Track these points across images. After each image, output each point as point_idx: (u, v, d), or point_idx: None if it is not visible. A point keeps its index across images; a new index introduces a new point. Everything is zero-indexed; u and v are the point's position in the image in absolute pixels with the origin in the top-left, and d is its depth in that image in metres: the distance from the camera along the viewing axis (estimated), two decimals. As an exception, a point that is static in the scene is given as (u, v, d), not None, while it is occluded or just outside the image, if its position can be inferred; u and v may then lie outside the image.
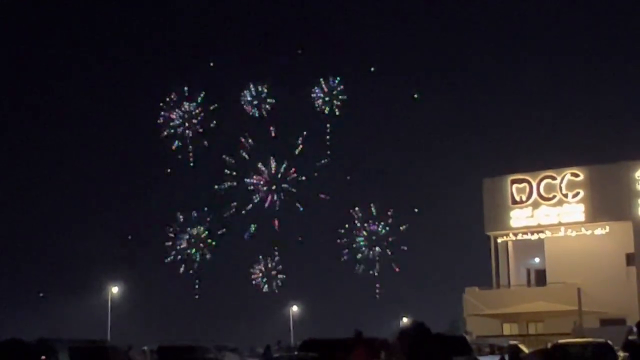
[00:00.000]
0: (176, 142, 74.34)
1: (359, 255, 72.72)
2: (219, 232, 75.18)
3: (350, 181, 76.61)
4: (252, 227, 74.26)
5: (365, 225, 72.73)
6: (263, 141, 74.13)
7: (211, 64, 77.54)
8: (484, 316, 53.16)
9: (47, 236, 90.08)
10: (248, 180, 73.79)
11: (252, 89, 74.04)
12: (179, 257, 74.52)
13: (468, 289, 57.84)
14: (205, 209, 75.17)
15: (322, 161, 73.64)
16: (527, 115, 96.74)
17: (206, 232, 74.96)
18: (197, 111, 74.53)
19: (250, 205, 73.82)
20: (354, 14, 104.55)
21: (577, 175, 55.86)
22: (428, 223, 78.42)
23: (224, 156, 74.22)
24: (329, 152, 74.18)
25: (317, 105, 73.86)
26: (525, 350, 34.72)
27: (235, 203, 74.30)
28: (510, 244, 58.92)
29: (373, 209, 72.64)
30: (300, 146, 73.43)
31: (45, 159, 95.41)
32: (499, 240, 58.72)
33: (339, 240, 72.71)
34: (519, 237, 57.76)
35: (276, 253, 75.05)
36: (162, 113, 74.05)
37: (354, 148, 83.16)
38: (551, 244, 56.80)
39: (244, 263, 75.80)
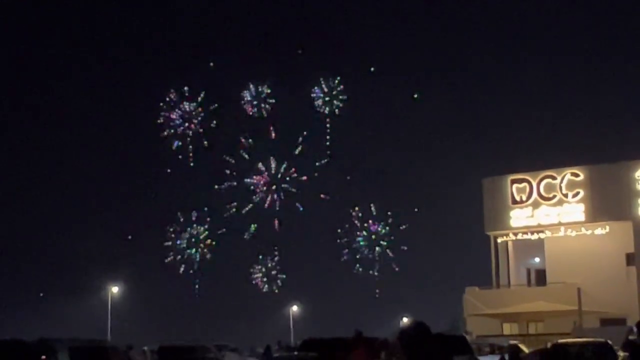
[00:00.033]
0: (176, 142, 74.45)
1: (359, 255, 72.88)
2: (219, 232, 75.30)
3: (350, 181, 76.74)
4: (252, 227, 74.37)
5: (365, 225, 72.82)
6: (263, 141, 74.24)
7: (211, 64, 77.59)
8: (484, 316, 53.18)
9: (47, 236, 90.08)
10: (248, 180, 73.88)
11: (252, 89, 74.12)
12: (179, 257, 74.62)
13: (468, 288, 57.86)
14: (205, 209, 75.29)
15: (322, 161, 73.78)
16: (527, 115, 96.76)
17: (206, 232, 75.04)
18: (197, 111, 74.60)
19: (250, 205, 73.95)
20: (354, 14, 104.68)
21: (577, 175, 55.87)
22: (428, 223, 78.50)
23: (224, 156, 74.34)
24: (329, 152, 74.32)
25: (317, 105, 73.97)
26: (525, 350, 34.73)
27: (235, 203, 74.43)
28: (510, 243, 58.93)
29: (373, 209, 72.77)
30: (300, 146, 73.55)
31: (45, 159, 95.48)
32: (499, 240, 58.73)
33: (339, 240, 72.85)
34: (519, 237, 57.77)
35: (276, 253, 75.19)
36: (162, 113, 74.19)
37: (354, 148, 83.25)
38: (551, 243, 56.81)
39: (244, 263, 75.92)
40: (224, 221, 74.89)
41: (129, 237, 79.29)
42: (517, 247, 59.22)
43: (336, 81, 73.74)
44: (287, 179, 73.46)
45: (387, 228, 72.38)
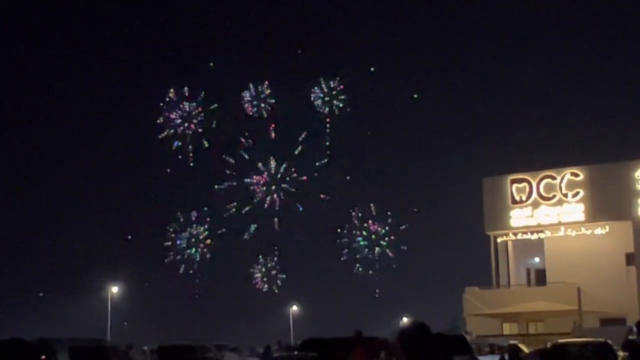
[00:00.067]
0: (176, 142, 74.49)
1: (359, 255, 72.91)
2: (219, 232, 75.33)
3: (350, 181, 76.74)
4: (252, 227, 74.40)
5: (365, 225, 72.85)
6: (263, 141, 74.30)
7: (211, 64, 77.66)
8: (484, 316, 53.18)
9: (47, 236, 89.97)
10: (248, 180, 73.91)
11: (252, 89, 74.16)
12: (179, 257, 74.67)
13: (468, 288, 57.86)
14: (205, 209, 75.33)
15: (322, 161, 73.80)
16: (527, 115, 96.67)
17: (206, 232, 75.07)
18: (197, 111, 74.64)
19: (250, 205, 73.98)
20: (354, 14, 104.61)
21: (577, 175, 55.88)
22: (428, 223, 78.50)
23: (224, 156, 74.35)
24: (329, 152, 74.36)
25: (317, 105, 74.00)
26: (525, 350, 34.72)
27: (235, 203, 74.46)
28: (510, 243, 58.93)
29: (373, 209, 72.80)
30: (300, 146, 73.59)
31: (45, 159, 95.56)
32: (499, 240, 58.73)
33: (339, 240, 72.88)
34: (519, 236, 57.77)
35: (276, 253, 75.22)
36: (162, 113, 74.22)
37: (354, 148, 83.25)
38: (551, 243, 56.82)
39: (244, 263, 75.95)
40: (223, 221, 75.01)
41: (129, 237, 79.39)
42: (517, 247, 59.22)
43: (336, 81, 73.84)
44: (287, 179, 73.55)
45: (387, 228, 72.45)
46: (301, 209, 73.52)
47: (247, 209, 74.06)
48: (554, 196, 56.17)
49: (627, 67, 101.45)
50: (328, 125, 74.14)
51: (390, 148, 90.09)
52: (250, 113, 73.98)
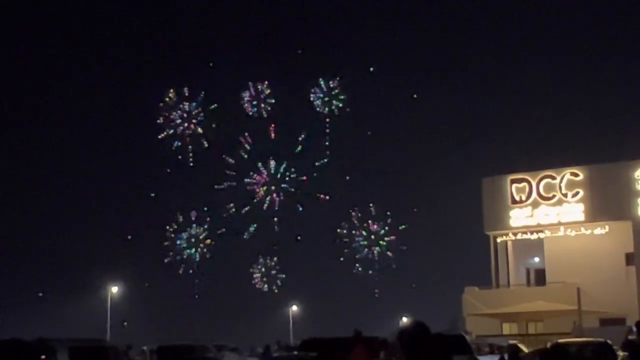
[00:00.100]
0: (176, 142, 74.48)
1: (359, 255, 72.91)
2: (219, 232, 75.34)
3: (350, 181, 76.74)
4: (252, 227, 74.41)
5: (365, 225, 72.86)
6: (263, 141, 74.27)
7: (211, 64, 77.73)
8: (483, 316, 53.17)
9: (47, 236, 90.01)
10: (248, 180, 73.92)
11: (252, 89, 74.15)
12: (179, 257, 74.67)
13: (467, 288, 57.85)
14: (205, 209, 75.33)
15: (322, 161, 73.81)
16: (527, 115, 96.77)
17: (206, 232, 75.08)
18: (197, 111, 74.64)
19: (250, 205, 73.99)
20: (354, 14, 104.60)
21: (576, 175, 55.88)
22: (428, 223, 78.55)
23: (223, 156, 74.35)
24: (328, 152, 74.36)
25: (317, 105, 73.98)
26: (525, 349, 34.73)
27: (234, 203, 74.46)
28: (509, 243, 58.93)
29: (372, 209, 72.79)
30: (300, 146, 73.58)
31: (45, 159, 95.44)
32: (499, 239, 58.73)
33: (338, 240, 72.87)
34: (519, 236, 57.77)
35: (276, 253, 75.24)
36: (162, 113, 74.21)
37: (354, 148, 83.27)
38: (551, 243, 56.82)
39: (243, 263, 75.96)
40: (223, 221, 75.00)
41: (129, 237, 79.39)
42: (516, 247, 59.23)
43: (336, 81, 73.85)
44: (287, 179, 73.53)
45: (387, 228, 72.47)
46: (301, 209, 73.59)
47: (247, 209, 74.11)
48: (554, 196, 56.17)
49: (627, 67, 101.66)
50: (328, 125, 74.19)
51: (390, 148, 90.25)
52: (250, 113, 74.01)
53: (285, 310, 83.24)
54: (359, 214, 72.72)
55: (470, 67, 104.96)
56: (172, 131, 74.22)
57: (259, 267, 74.56)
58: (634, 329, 24.54)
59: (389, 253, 72.36)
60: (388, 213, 72.33)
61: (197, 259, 74.75)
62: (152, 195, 79.08)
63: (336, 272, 76.83)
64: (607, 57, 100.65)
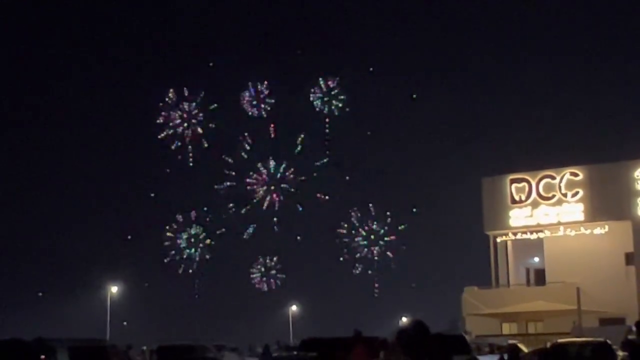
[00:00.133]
0: (176, 142, 74.46)
1: (359, 255, 72.91)
2: (218, 232, 75.34)
3: (350, 181, 76.75)
4: (252, 227, 74.42)
5: (365, 225, 72.85)
6: (263, 141, 74.27)
7: (211, 64, 77.70)
8: (483, 315, 53.16)
9: (47, 236, 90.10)
10: (248, 180, 73.92)
11: (252, 89, 74.15)
12: (179, 257, 74.66)
13: (467, 288, 57.85)
14: (205, 209, 75.32)
15: (322, 161, 73.81)
16: (527, 115, 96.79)
17: (205, 232, 75.08)
18: (197, 111, 74.64)
19: (250, 205, 73.98)
20: (354, 14, 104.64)
21: (576, 175, 55.89)
22: (427, 223, 78.55)
23: (223, 156, 74.35)
24: (328, 152, 74.37)
25: (317, 105, 73.98)
26: (525, 349, 34.73)
27: (234, 203, 74.45)
28: (509, 243, 58.93)
29: (372, 209, 72.79)
30: (300, 146, 73.58)
31: (45, 159, 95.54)
32: (498, 239, 58.72)
33: (338, 240, 72.87)
34: (518, 236, 57.77)
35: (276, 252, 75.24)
36: (162, 113, 74.20)
37: (354, 148, 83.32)
38: (550, 243, 56.82)
39: (243, 263, 75.96)
40: (223, 221, 75.00)
41: (129, 237, 79.44)
42: (516, 247, 59.22)
43: (336, 81, 73.86)
44: (287, 179, 73.52)
45: (387, 228, 72.48)
46: (301, 209, 73.58)
47: (246, 209, 74.10)
48: (554, 196, 56.18)
49: (627, 67, 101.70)
50: (328, 125, 74.19)
51: (390, 148, 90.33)
52: (250, 113, 74.01)
53: (285, 310, 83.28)
54: (359, 214, 72.77)
55: (470, 67, 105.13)
56: (172, 131, 74.27)
57: (259, 267, 74.56)
58: (634, 328, 24.53)
59: (388, 253, 72.42)
60: (388, 213, 72.42)
61: (197, 259, 74.80)
62: (152, 195, 79.20)
63: (336, 272, 76.91)
64: (607, 57, 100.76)
